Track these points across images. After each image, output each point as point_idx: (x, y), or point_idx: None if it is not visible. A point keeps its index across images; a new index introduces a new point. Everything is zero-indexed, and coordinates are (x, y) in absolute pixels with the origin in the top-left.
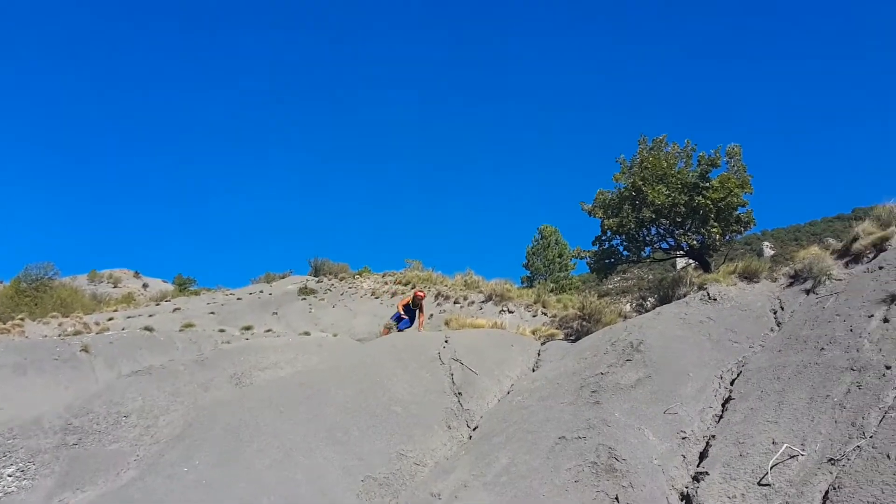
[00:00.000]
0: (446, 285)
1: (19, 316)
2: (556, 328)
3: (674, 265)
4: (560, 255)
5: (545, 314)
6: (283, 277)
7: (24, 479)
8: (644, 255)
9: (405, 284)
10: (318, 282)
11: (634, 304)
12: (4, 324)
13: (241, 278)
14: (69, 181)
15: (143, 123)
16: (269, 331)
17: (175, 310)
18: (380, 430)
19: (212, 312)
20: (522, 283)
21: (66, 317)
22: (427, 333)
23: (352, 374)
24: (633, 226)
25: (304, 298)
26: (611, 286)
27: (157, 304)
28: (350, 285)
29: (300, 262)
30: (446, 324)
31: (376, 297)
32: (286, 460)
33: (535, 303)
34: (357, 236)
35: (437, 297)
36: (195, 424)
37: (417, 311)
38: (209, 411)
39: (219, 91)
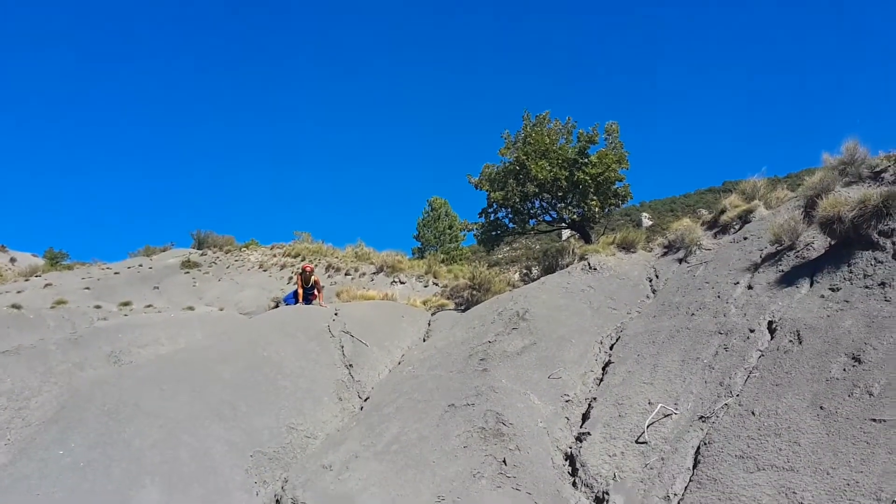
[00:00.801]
0: (337, 257)
1: None
2: (447, 298)
3: (559, 235)
4: (450, 227)
5: (436, 284)
6: (165, 251)
7: None
8: (529, 226)
9: (294, 257)
10: (201, 255)
11: (521, 274)
12: None
13: (118, 252)
14: None
15: (9, 87)
16: (149, 306)
17: (46, 285)
18: (268, 405)
19: (87, 288)
20: (413, 254)
21: None
22: (316, 307)
23: (238, 349)
24: (517, 199)
25: (188, 272)
26: (500, 256)
27: (27, 280)
28: (236, 258)
29: (182, 235)
30: (337, 296)
31: (264, 270)
32: (169, 439)
33: (426, 273)
34: (243, 208)
35: (327, 269)
36: (70, 406)
37: (315, 288)
38: (85, 392)
39: (78, 50)
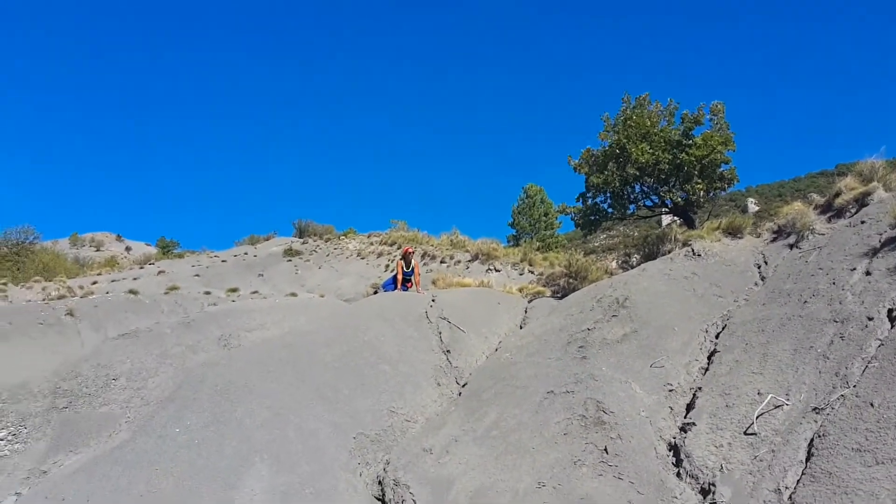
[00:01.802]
0: (432, 245)
1: (1, 281)
2: (543, 286)
3: (659, 222)
4: (546, 214)
5: (532, 272)
6: (268, 239)
7: (17, 442)
8: (628, 212)
9: (390, 245)
10: (303, 243)
11: (620, 261)
12: None
13: (224, 241)
14: (47, 144)
15: (121, 88)
16: (255, 292)
17: (159, 273)
18: (369, 389)
19: (197, 275)
20: (508, 241)
21: (50, 281)
22: (414, 294)
23: (339, 334)
24: (617, 183)
25: (290, 260)
26: (597, 244)
27: (141, 268)
28: (335, 246)
29: (284, 224)
30: (433, 283)
31: (362, 258)
32: (277, 419)
33: (521, 261)
34: (342, 198)
35: (423, 256)
36: (184, 386)
37: (413, 273)
38: (198, 373)
39: (196, 51)
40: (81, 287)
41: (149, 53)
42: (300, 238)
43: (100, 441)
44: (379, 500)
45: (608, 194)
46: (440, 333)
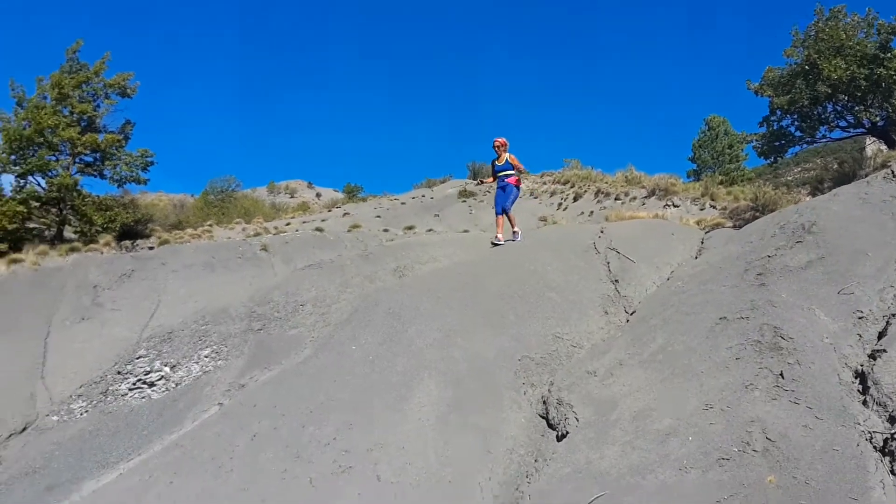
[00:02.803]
0: (606, 182)
1: (208, 223)
2: (726, 219)
3: (861, 149)
4: (730, 147)
5: (714, 207)
6: (444, 182)
7: (219, 359)
8: (818, 135)
9: (563, 184)
10: (477, 184)
11: (811, 189)
12: (196, 230)
13: (403, 184)
14: (248, 104)
15: (319, 45)
16: (430, 230)
17: (344, 214)
18: (535, 315)
19: (378, 216)
20: (689, 177)
21: (249, 223)
22: (582, 225)
23: (506, 264)
24: (806, 103)
25: (464, 201)
26: (790, 178)
27: (329, 211)
28: None
29: (459, 167)
30: (606, 219)
31: (535, 197)
32: (445, 340)
33: (702, 196)
34: (516, 138)
35: (596, 194)
36: (361, 309)
37: (510, 171)
38: (373, 297)
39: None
40: (276, 228)
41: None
42: (474, 180)
43: (288, 358)
44: (542, 417)
45: (795, 116)
46: (608, 264)
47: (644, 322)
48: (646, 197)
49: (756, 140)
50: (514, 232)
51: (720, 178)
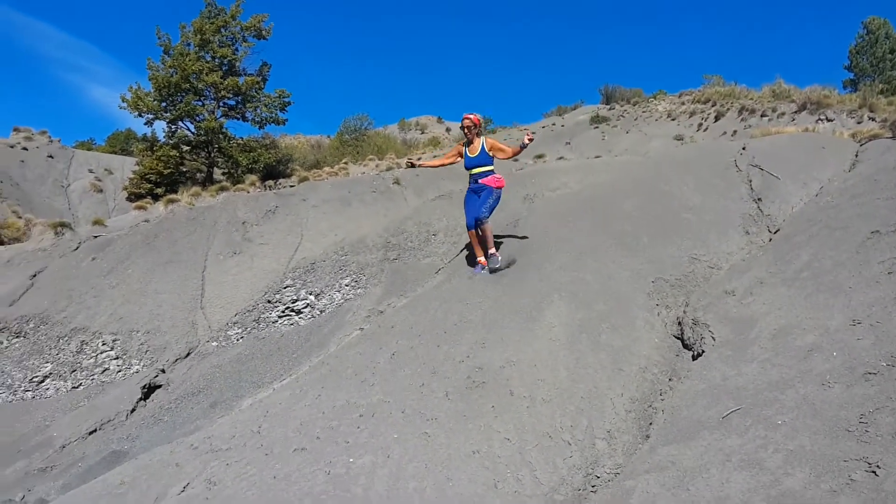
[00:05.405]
0: (751, 98)
1: (343, 161)
2: (884, 132)
3: None
4: (891, 52)
5: (873, 119)
6: (575, 108)
7: (359, 287)
8: None
9: (704, 103)
10: (609, 109)
11: None
12: (332, 167)
13: (533, 114)
14: (372, 37)
15: None
16: (560, 158)
17: None
18: (670, 237)
19: None
20: (844, 88)
21: (382, 159)
22: (721, 142)
23: (639, 185)
24: None
25: (597, 127)
26: None
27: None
28: (644, 109)
29: (590, 92)
30: (751, 138)
31: (672, 119)
32: (575, 263)
33: (859, 108)
34: (650, 59)
35: (740, 112)
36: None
37: (485, 156)
38: (503, 224)
39: None
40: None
41: None
42: (607, 105)
43: (422, 285)
44: (677, 338)
45: None
46: (750, 181)
47: (788, 240)
48: (795, 112)
49: None
50: (490, 255)
51: (880, 87)
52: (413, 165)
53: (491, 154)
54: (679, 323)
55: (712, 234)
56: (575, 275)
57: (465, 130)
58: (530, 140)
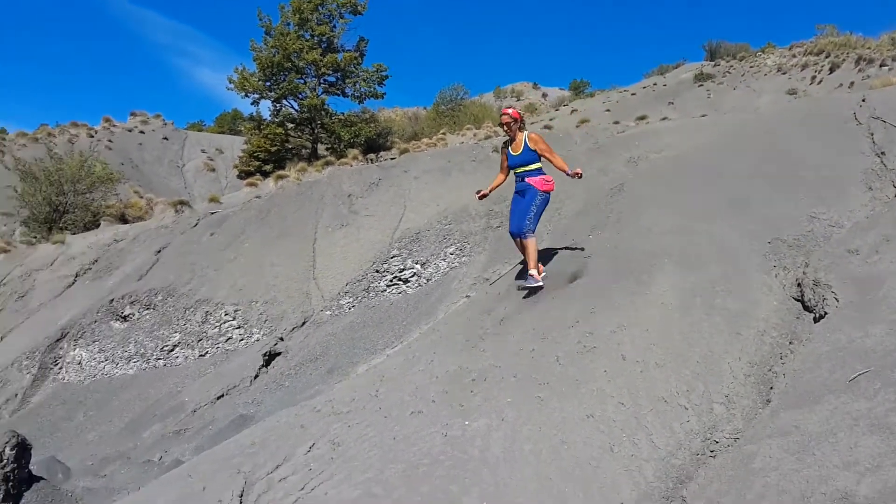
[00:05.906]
0: (869, 48)
1: (441, 132)
2: None
3: None
4: None
5: None
6: (677, 67)
7: (463, 255)
8: None
9: (817, 54)
10: (714, 66)
11: None
12: (431, 139)
13: (633, 75)
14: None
15: None
16: (664, 119)
17: (572, 112)
18: (786, 196)
19: (607, 110)
20: None
21: (479, 128)
22: (838, 95)
23: (750, 143)
24: None
25: (701, 84)
26: None
27: (556, 110)
28: (751, 64)
29: (694, 49)
30: (870, 89)
31: (783, 73)
32: (683, 226)
33: None
34: (756, 10)
35: (857, 62)
36: (592, 202)
37: (531, 153)
38: (605, 189)
39: None
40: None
41: None
42: (711, 61)
43: None
44: (797, 300)
45: None
46: (872, 135)
47: None
48: None
49: None
50: (528, 275)
51: None
52: (485, 195)
53: (534, 150)
54: (799, 284)
55: (831, 191)
56: (685, 238)
57: (505, 128)
58: (578, 176)
